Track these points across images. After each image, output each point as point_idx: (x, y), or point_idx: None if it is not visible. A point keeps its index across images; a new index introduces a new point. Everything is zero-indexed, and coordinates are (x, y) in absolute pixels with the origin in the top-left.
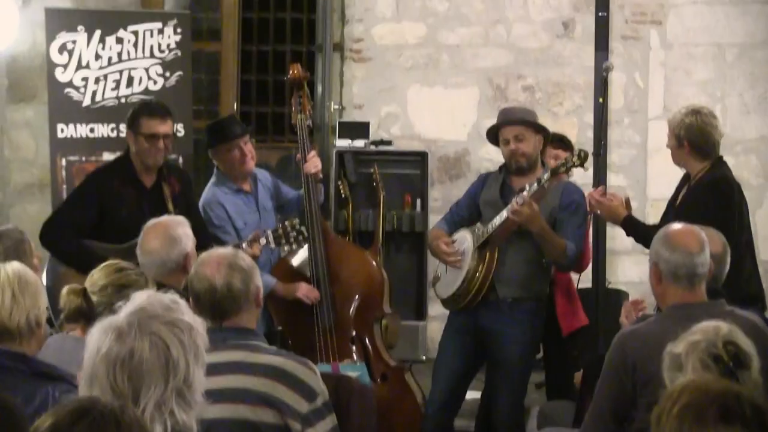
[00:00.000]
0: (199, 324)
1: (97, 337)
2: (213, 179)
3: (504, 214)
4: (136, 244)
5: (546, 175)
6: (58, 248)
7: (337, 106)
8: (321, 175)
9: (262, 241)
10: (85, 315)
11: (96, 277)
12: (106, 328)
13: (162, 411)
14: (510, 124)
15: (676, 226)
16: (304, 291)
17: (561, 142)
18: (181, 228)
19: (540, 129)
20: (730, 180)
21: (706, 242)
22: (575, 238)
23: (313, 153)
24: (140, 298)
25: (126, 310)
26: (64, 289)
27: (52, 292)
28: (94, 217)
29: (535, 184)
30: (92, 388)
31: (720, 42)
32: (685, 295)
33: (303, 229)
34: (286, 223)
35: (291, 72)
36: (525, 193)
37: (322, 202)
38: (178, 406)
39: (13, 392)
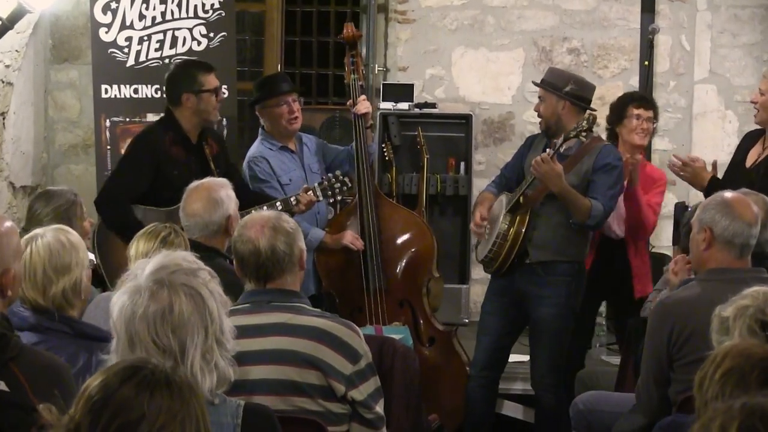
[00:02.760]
0: (212, 272)
1: (127, 301)
2: (258, 138)
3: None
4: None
5: (560, 140)
6: (113, 222)
7: (381, 68)
8: (372, 121)
9: (310, 193)
10: None
11: (141, 252)
12: (135, 291)
13: (208, 361)
14: (537, 85)
15: (731, 194)
16: (350, 238)
17: (643, 99)
18: (224, 190)
19: (564, 95)
20: None
21: (759, 215)
22: (605, 199)
23: (363, 97)
24: (154, 260)
25: (145, 272)
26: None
27: (103, 249)
28: (149, 182)
29: (551, 149)
30: (134, 351)
31: (767, 4)
32: (733, 262)
33: (347, 179)
34: (330, 174)
35: (344, 31)
36: (545, 153)
37: (374, 153)
38: (220, 355)
39: (58, 353)
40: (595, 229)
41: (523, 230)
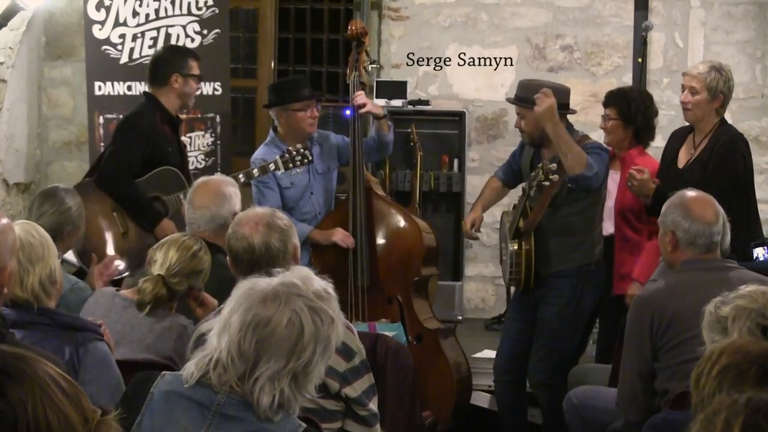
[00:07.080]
0: (340, 321)
1: (245, 293)
2: (267, 139)
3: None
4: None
5: (528, 187)
6: (123, 197)
7: (374, 66)
8: (383, 113)
9: (271, 167)
10: (168, 300)
11: (172, 259)
12: (258, 290)
13: (274, 386)
14: (512, 102)
15: (690, 194)
16: (340, 236)
17: (605, 97)
18: (230, 187)
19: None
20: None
21: (720, 212)
22: (596, 161)
23: (360, 92)
24: (300, 273)
25: (281, 278)
26: (141, 281)
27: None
28: (143, 159)
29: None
30: (222, 336)
31: (761, 1)
32: (702, 256)
33: (307, 153)
34: (291, 147)
35: (349, 28)
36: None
37: (391, 141)
38: (289, 387)
39: (42, 347)
40: (594, 185)
41: (533, 247)
